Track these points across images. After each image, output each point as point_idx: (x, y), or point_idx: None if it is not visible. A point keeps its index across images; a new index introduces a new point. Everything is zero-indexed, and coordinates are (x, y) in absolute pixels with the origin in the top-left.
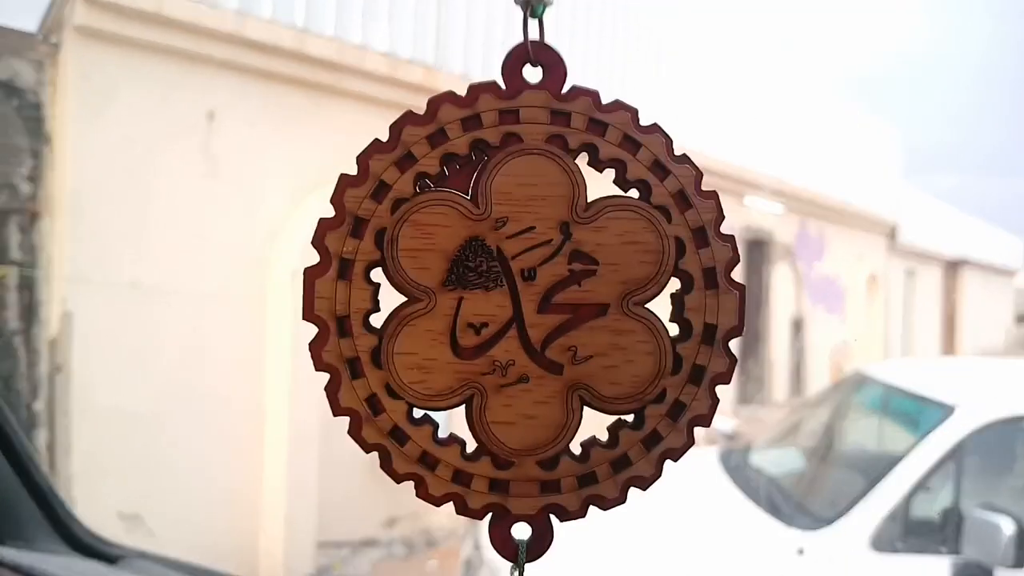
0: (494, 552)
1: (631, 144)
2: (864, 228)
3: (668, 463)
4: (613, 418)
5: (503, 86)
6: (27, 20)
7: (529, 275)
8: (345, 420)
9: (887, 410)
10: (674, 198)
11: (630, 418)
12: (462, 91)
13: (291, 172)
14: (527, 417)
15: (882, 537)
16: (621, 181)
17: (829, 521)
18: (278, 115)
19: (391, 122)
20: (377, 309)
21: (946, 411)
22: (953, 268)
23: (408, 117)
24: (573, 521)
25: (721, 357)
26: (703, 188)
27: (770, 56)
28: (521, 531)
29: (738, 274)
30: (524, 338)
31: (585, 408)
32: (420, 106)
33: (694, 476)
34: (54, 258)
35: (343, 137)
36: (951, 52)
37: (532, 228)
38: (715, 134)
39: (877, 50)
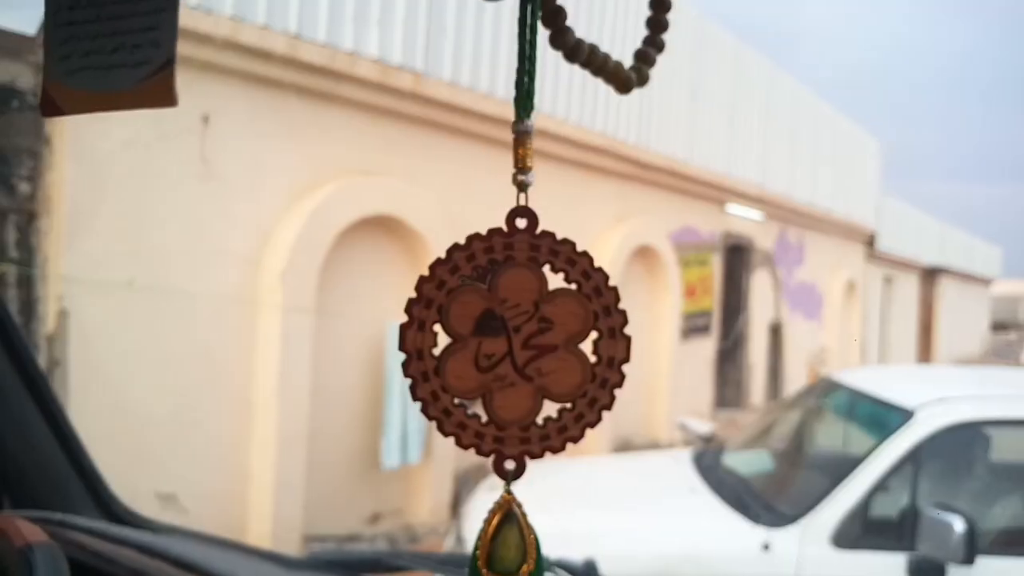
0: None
1: (571, 262)
2: (843, 235)
3: (588, 430)
4: (559, 405)
5: (505, 230)
6: (26, 23)
7: (517, 329)
8: (332, 421)
9: (853, 414)
10: (594, 290)
11: (568, 405)
12: (454, 97)
13: (284, 175)
14: (514, 405)
15: (843, 534)
16: (567, 280)
17: (794, 519)
18: (271, 119)
19: (449, 247)
20: (436, 345)
21: (906, 415)
22: (930, 275)
23: (456, 248)
24: (538, 458)
25: (617, 373)
26: (608, 284)
27: (749, 65)
28: (509, 464)
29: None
30: (514, 363)
31: (545, 400)
32: (410, 112)
33: (669, 475)
34: (51, 257)
35: (335, 141)
36: (933, 59)
37: (519, 304)
38: (696, 142)
39: (858, 57)
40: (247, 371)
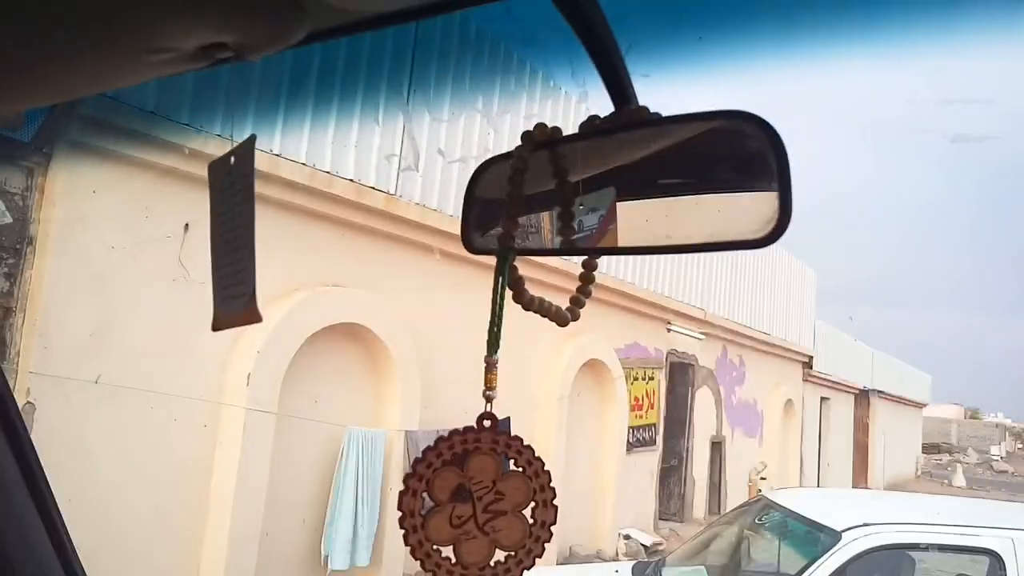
0: None
1: (519, 452)
2: (782, 357)
3: (525, 571)
4: (506, 553)
5: (475, 428)
6: (22, 131)
7: (480, 498)
8: (284, 522)
9: (786, 533)
10: (534, 472)
11: (513, 553)
12: (423, 217)
13: (258, 282)
14: (476, 552)
15: None
16: (515, 464)
17: None
18: None
19: (441, 437)
20: (423, 507)
21: (834, 537)
22: (864, 397)
23: (441, 439)
24: None
25: (547, 532)
26: (544, 469)
27: None
28: None
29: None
30: (477, 522)
31: (496, 549)
32: (381, 228)
33: None
34: (22, 351)
35: (309, 252)
36: (865, 196)
37: (482, 481)
38: (643, 267)
39: (797, 185)
40: (206, 470)
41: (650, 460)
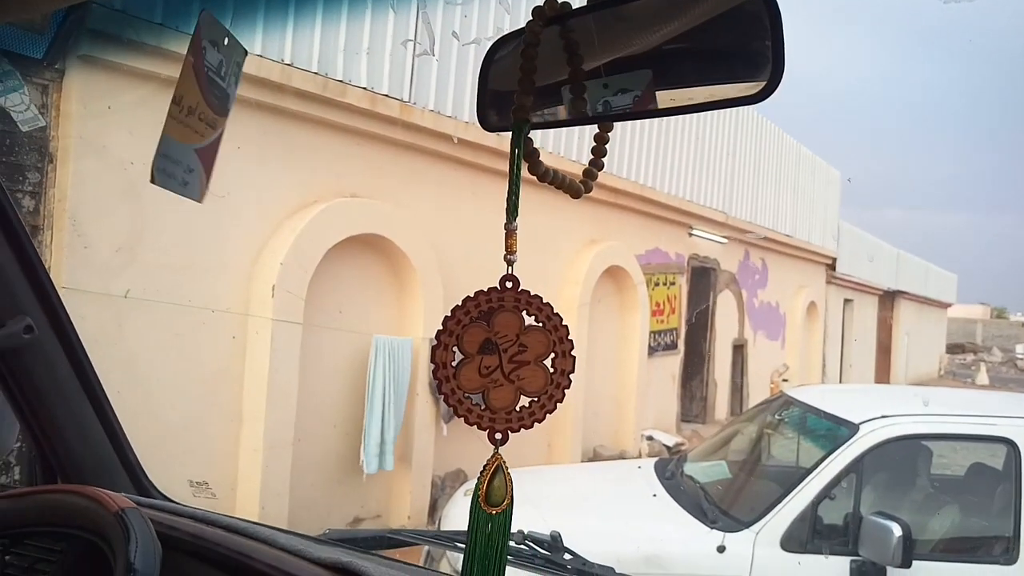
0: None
1: (539, 309)
2: (804, 259)
3: (548, 415)
4: (530, 399)
5: (499, 288)
6: (34, 47)
7: (505, 350)
8: (316, 429)
9: (804, 428)
10: (552, 326)
11: (536, 398)
12: (437, 124)
13: (276, 195)
14: (502, 398)
15: (792, 538)
16: (536, 320)
17: (747, 524)
18: (265, 142)
19: (467, 297)
20: (454, 359)
21: (852, 429)
22: (889, 298)
23: (468, 299)
24: (517, 433)
25: (566, 379)
26: (562, 323)
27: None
28: (499, 435)
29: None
30: (503, 371)
31: (521, 395)
32: (396, 137)
33: (633, 482)
34: (51, 268)
35: (325, 164)
36: (890, 95)
37: (506, 335)
38: (665, 171)
39: (822, 86)
40: (237, 380)
41: (672, 364)
